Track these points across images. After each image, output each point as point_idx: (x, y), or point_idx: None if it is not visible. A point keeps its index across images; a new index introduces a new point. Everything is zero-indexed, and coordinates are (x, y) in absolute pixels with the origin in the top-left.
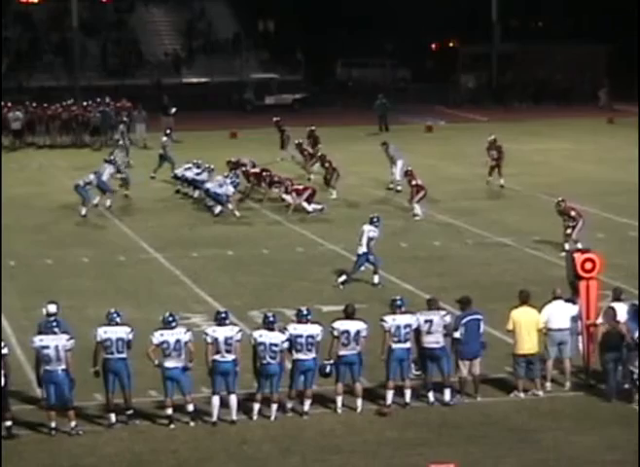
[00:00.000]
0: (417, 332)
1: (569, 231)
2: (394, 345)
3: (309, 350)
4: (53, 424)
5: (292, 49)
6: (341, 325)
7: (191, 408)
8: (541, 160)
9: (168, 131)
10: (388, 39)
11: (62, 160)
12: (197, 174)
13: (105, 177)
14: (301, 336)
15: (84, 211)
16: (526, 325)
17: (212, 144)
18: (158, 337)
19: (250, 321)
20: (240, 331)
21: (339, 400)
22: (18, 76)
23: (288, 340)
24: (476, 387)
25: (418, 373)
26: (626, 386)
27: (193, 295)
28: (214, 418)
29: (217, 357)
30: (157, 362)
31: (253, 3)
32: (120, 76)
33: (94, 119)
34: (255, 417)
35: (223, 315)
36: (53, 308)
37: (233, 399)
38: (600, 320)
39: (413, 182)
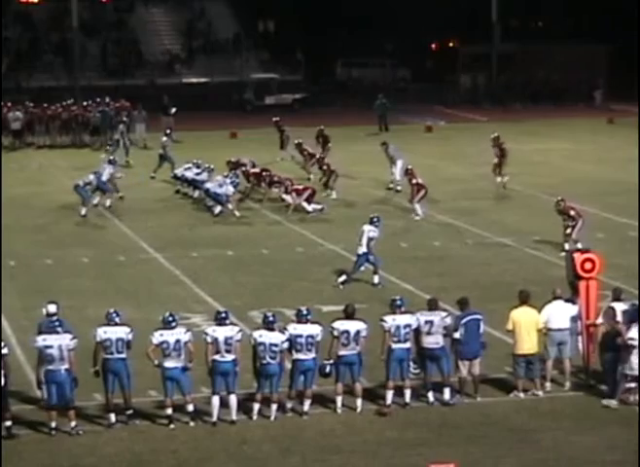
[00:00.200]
0: (417, 332)
1: (569, 231)
2: (394, 345)
3: (309, 350)
4: (53, 424)
5: (292, 49)
6: (341, 325)
7: (190, 408)
8: (541, 160)
9: (168, 131)
10: (388, 39)
11: (62, 160)
12: (197, 174)
13: (105, 177)
14: (300, 336)
15: (83, 211)
16: (526, 325)
17: (212, 144)
18: (157, 337)
19: (250, 321)
20: (240, 331)
21: (339, 400)
22: (18, 76)
23: (288, 340)
24: (475, 387)
25: (417, 372)
26: (626, 386)
27: (192, 295)
28: (214, 418)
29: (217, 357)
30: (156, 362)
31: (253, 3)
32: (119, 76)
33: (94, 119)
34: (255, 417)
35: (223, 315)
36: (52, 308)
37: (233, 399)
38: (600, 320)
39: (414, 181)
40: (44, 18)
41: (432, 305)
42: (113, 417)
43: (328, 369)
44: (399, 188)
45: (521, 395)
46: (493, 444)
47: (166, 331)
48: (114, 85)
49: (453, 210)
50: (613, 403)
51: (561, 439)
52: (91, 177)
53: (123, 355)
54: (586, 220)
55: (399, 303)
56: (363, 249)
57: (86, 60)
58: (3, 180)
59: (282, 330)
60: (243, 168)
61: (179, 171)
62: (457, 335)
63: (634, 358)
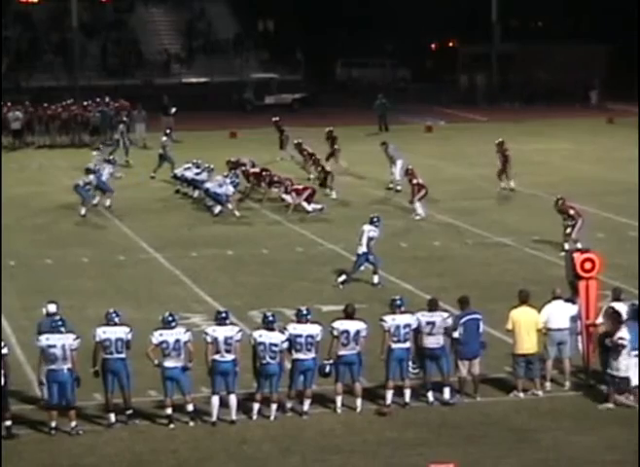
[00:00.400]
0: (417, 332)
1: (569, 230)
2: (393, 345)
3: (309, 350)
4: (53, 424)
5: (292, 49)
6: (341, 325)
7: (190, 407)
8: (541, 160)
9: (168, 131)
10: (388, 39)
11: (62, 159)
12: (197, 174)
13: (105, 177)
14: (300, 335)
15: (83, 211)
16: (526, 325)
17: (212, 144)
18: (157, 336)
19: (250, 321)
20: (240, 331)
21: (339, 400)
22: (18, 76)
23: (288, 339)
24: (475, 387)
25: (416, 371)
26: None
27: (192, 295)
28: (214, 418)
29: (217, 357)
30: (156, 362)
31: (253, 3)
32: (119, 76)
33: (94, 119)
34: (255, 417)
35: (223, 315)
36: (52, 308)
37: (233, 399)
38: (600, 320)
39: (414, 181)
40: (44, 18)
41: (432, 306)
42: (113, 417)
43: (328, 369)
44: (399, 188)
45: (521, 395)
46: (493, 444)
47: (166, 331)
48: (114, 85)
49: (453, 210)
50: (609, 406)
51: (561, 439)
52: (91, 177)
53: (122, 355)
54: (585, 220)
55: (399, 302)
56: (363, 249)
57: (86, 60)
58: (3, 180)
59: (282, 330)
60: (243, 168)
61: (179, 171)
62: (456, 334)
63: (622, 359)
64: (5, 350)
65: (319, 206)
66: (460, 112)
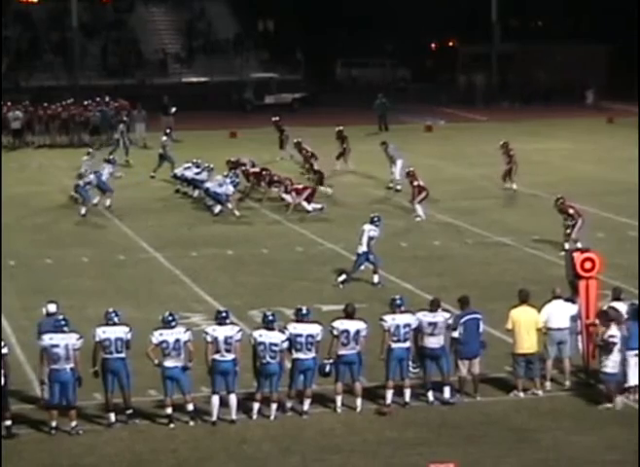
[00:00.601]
0: (417, 332)
1: (569, 230)
2: (393, 345)
3: (309, 350)
4: (53, 423)
5: (292, 48)
6: (341, 324)
7: (190, 407)
8: (540, 159)
9: (168, 131)
10: (388, 39)
11: (62, 159)
12: (197, 174)
13: (105, 177)
14: (300, 335)
15: (83, 211)
16: (526, 324)
17: (212, 144)
18: (157, 336)
19: (250, 321)
20: (240, 330)
21: (339, 399)
22: (18, 76)
23: (288, 339)
24: (475, 387)
25: (416, 370)
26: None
27: (192, 294)
28: (214, 418)
29: (217, 356)
30: (156, 361)
31: (253, 3)
32: (119, 76)
33: (94, 118)
34: (254, 417)
35: (223, 315)
36: (52, 308)
37: (233, 398)
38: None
39: (415, 183)
40: (44, 18)
41: (434, 306)
42: (113, 417)
43: (328, 368)
44: (399, 187)
45: (521, 394)
46: (493, 443)
47: (166, 330)
48: (114, 84)
49: (453, 210)
50: (608, 406)
51: (561, 439)
52: (92, 177)
53: (122, 355)
54: (585, 219)
55: (399, 302)
56: (363, 248)
57: (85, 60)
58: (3, 180)
59: (282, 329)
60: (243, 168)
61: (179, 171)
62: (456, 334)
63: (612, 357)
64: (5, 350)
65: (319, 206)
66: (460, 112)
